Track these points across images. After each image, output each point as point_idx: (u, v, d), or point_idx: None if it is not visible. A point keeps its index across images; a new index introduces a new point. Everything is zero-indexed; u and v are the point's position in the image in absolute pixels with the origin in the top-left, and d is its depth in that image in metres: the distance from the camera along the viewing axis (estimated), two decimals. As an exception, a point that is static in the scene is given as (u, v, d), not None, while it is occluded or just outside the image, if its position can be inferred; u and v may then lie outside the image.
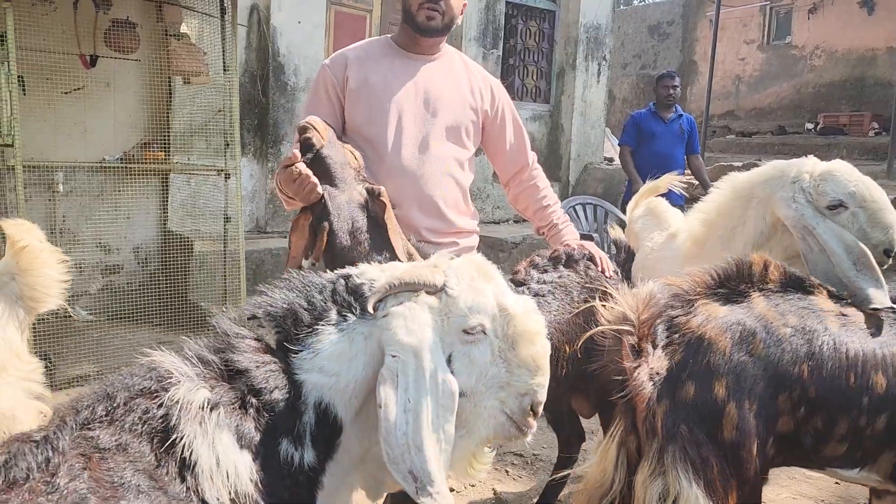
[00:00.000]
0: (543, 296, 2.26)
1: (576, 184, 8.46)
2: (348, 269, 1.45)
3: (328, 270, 1.53)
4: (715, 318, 1.78)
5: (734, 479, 1.68)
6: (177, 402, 1.15)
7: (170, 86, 5.37)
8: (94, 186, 5.27)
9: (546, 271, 2.38)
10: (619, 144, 6.11)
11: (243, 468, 1.16)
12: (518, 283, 2.32)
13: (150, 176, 5.50)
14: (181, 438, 1.12)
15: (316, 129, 2.06)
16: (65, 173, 5.06)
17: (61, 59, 4.46)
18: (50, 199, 5.18)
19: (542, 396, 1.46)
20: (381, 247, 2.02)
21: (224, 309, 1.48)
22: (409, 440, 1.24)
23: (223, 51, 4.69)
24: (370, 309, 1.33)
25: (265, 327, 1.34)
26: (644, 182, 5.32)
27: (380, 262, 1.52)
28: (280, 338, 1.32)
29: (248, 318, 1.35)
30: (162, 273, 5.30)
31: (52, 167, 4.80)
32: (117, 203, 5.35)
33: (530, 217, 2.66)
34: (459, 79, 2.41)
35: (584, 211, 5.64)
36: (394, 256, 1.95)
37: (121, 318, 4.95)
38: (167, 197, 5.58)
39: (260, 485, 1.17)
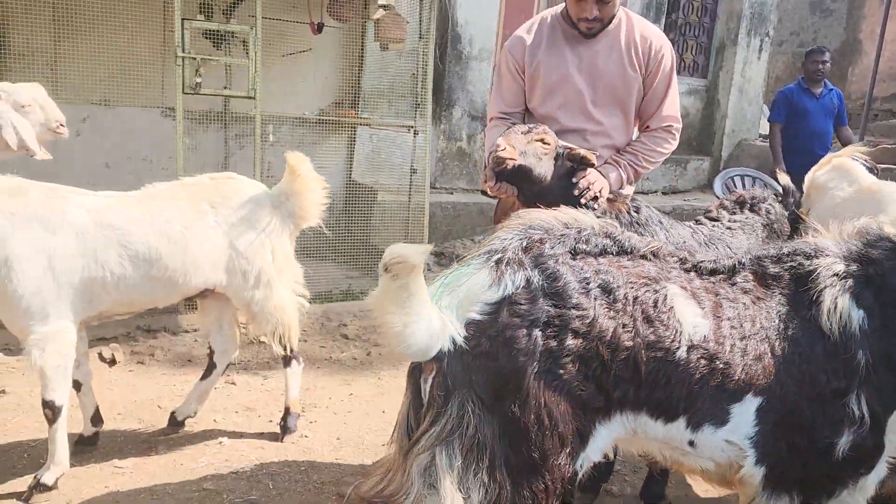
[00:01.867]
0: (733, 231, 2.65)
1: (728, 159, 8.48)
2: None
3: None
4: None
5: None
6: (821, 265, 1.74)
7: (362, 51, 6.02)
8: (295, 138, 6.03)
9: (734, 213, 2.77)
10: (769, 121, 6.16)
11: (855, 319, 1.69)
12: (712, 220, 2.73)
13: (340, 131, 6.20)
14: (816, 287, 1.70)
15: (507, 151, 2.29)
16: (273, 126, 5.84)
17: (287, 26, 5.18)
18: (260, 148, 6.00)
19: None
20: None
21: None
22: None
23: (419, 20, 5.24)
24: None
25: None
26: (783, 165, 5.47)
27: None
28: None
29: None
30: (346, 218, 6.00)
31: (278, 119, 5.54)
32: (313, 154, 6.07)
33: None
34: (621, 53, 2.63)
35: (742, 182, 5.80)
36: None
37: (309, 254, 5.69)
38: (353, 151, 6.27)
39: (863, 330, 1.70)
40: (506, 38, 7.05)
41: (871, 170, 3.28)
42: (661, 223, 2.50)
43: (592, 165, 2.41)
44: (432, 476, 1.52)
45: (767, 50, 8.46)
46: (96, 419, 3.03)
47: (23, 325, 2.60)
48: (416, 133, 5.48)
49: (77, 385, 2.88)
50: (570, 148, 2.44)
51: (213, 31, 4.69)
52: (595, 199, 2.44)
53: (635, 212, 2.50)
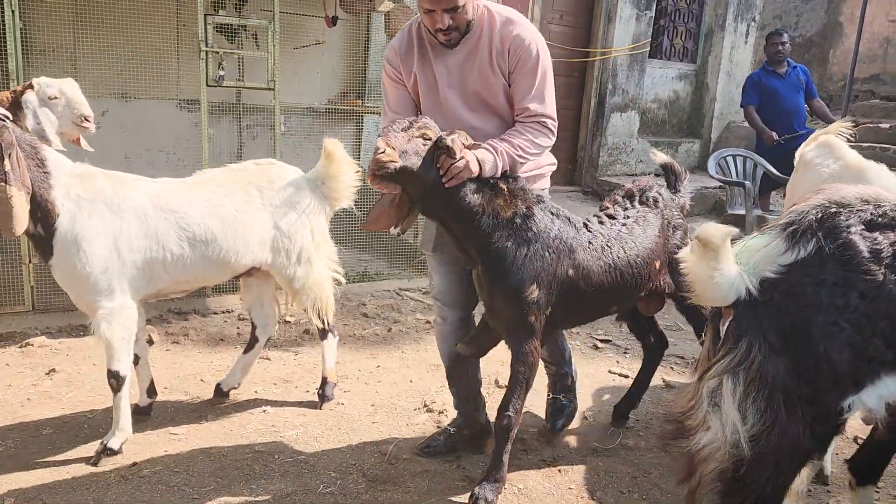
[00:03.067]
0: (629, 225, 2.82)
1: (717, 141, 8.77)
2: None
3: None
4: None
5: None
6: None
7: (367, 43, 6.24)
8: (304, 128, 6.25)
9: (626, 208, 2.91)
10: (742, 106, 6.46)
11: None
12: (609, 217, 2.85)
13: (347, 121, 6.42)
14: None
15: (386, 154, 2.28)
16: (283, 116, 6.05)
17: (303, 20, 5.39)
18: (271, 138, 6.21)
19: None
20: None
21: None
22: None
23: (425, 12, 5.46)
24: None
25: None
26: (772, 132, 5.81)
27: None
28: None
29: None
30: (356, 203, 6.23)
31: (290, 109, 5.76)
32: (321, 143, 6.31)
33: None
34: (482, 58, 2.59)
35: (735, 161, 6.09)
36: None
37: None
38: (360, 139, 6.49)
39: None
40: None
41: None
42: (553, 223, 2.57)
43: (452, 156, 2.36)
44: (717, 397, 1.85)
45: (754, 34, 8.75)
46: (151, 391, 3.27)
47: (90, 301, 2.82)
48: (424, 121, 5.70)
49: (136, 358, 3.11)
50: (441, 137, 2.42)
51: (226, 24, 4.89)
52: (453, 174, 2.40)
53: (524, 216, 2.51)
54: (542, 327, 2.61)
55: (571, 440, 3.27)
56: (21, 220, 2.51)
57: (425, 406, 3.50)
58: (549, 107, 2.67)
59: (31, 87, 3.45)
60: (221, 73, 4.65)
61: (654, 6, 8.02)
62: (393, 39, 2.78)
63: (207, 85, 4.56)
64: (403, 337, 4.47)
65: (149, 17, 5.34)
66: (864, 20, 11.01)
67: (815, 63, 13.53)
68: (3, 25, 4.07)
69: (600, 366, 4.14)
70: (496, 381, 3.76)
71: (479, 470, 2.95)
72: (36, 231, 2.71)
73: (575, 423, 3.41)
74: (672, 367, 4.17)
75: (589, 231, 2.70)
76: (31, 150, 2.65)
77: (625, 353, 4.35)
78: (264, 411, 3.39)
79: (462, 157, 2.39)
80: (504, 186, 2.53)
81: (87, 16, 4.95)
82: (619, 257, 2.71)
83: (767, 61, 6.39)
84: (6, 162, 2.45)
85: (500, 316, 2.62)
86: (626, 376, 3.98)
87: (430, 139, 2.37)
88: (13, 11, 4.01)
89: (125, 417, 2.94)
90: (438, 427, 3.28)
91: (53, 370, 3.70)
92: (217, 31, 4.98)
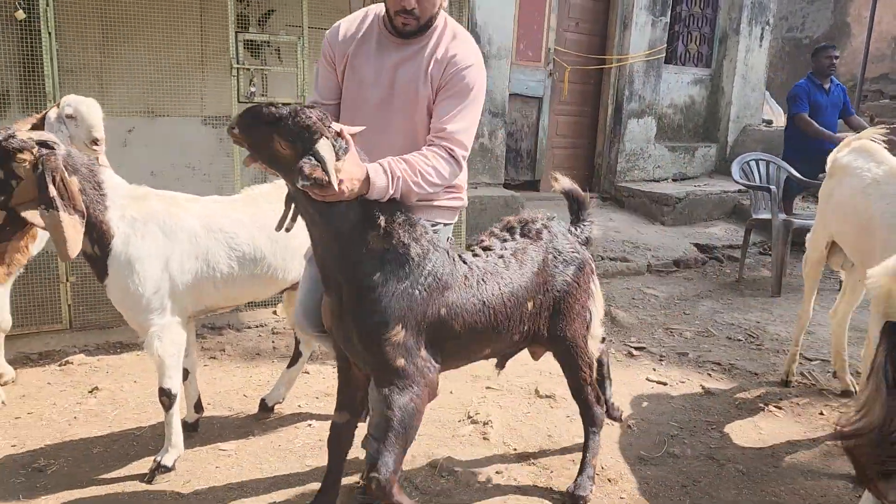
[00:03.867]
0: (505, 258, 2.49)
1: (734, 145, 8.79)
2: None
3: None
4: None
5: None
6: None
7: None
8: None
9: (504, 239, 2.59)
10: (793, 114, 6.41)
11: None
12: (486, 250, 2.53)
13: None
14: None
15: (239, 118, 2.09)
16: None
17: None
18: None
19: None
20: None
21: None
22: None
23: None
24: None
25: None
26: (838, 135, 5.79)
27: None
28: None
29: None
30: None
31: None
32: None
33: None
34: (421, 65, 2.44)
35: (758, 166, 6.10)
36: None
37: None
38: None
39: None
40: (520, 38, 7.37)
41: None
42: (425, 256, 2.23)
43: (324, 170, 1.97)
44: None
45: (768, 38, 8.78)
46: (198, 406, 3.29)
47: (142, 320, 2.84)
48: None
49: (185, 373, 3.13)
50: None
51: (251, 40, 4.93)
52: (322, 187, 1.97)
53: (400, 250, 2.17)
54: (424, 371, 2.24)
55: (616, 449, 3.27)
56: (74, 243, 2.52)
57: (469, 417, 3.51)
58: (467, 136, 2.39)
59: (58, 105, 3.53)
60: (252, 89, 4.70)
61: (669, 12, 8.05)
62: (345, 18, 2.59)
63: (239, 101, 4.60)
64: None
65: (174, 34, 5.38)
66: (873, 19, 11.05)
67: (824, 64, 13.58)
68: (40, 46, 4.11)
69: (637, 373, 4.15)
70: (536, 391, 3.78)
71: (530, 481, 2.96)
72: (93, 251, 2.74)
73: (618, 432, 3.42)
74: (710, 374, 4.17)
75: (465, 264, 2.36)
76: (88, 173, 2.67)
77: (661, 360, 4.36)
78: (310, 425, 3.41)
79: (336, 180, 1.99)
80: (381, 217, 2.15)
81: (114, 35, 5.01)
82: (492, 295, 2.36)
83: (814, 73, 6.38)
84: (51, 188, 2.45)
85: (360, 358, 2.30)
86: (664, 384, 3.99)
87: (313, 133, 1.97)
88: (49, 33, 4.06)
89: (177, 434, 2.96)
90: (485, 439, 3.29)
91: (96, 388, 3.73)
92: (244, 48, 5.03)
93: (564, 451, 3.23)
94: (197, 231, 2.87)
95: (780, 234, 5.65)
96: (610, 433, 3.40)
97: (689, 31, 8.61)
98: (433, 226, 2.52)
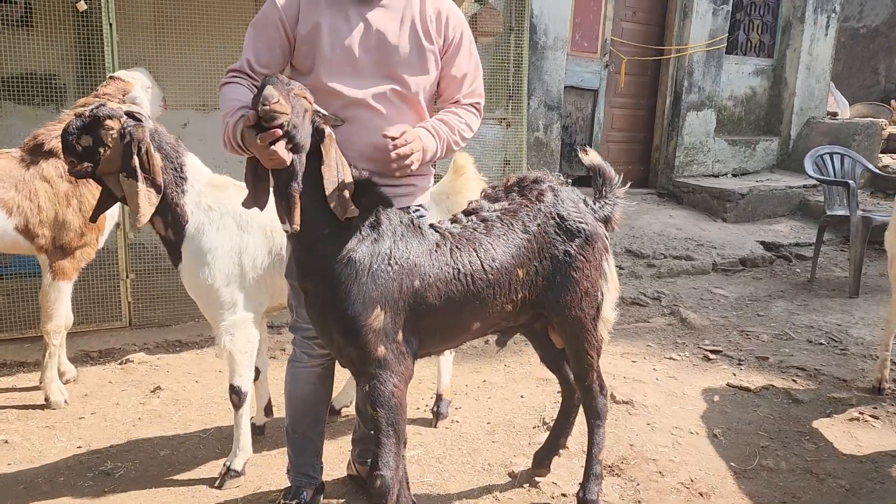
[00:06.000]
0: (490, 221, 2.29)
1: (797, 138, 8.44)
2: None
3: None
4: None
5: None
6: None
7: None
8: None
9: (497, 200, 2.38)
10: None
11: None
12: (467, 213, 2.34)
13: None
14: None
15: (280, 105, 1.88)
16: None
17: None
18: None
19: None
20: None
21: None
22: None
23: (509, 12, 5.34)
24: None
25: None
26: None
27: None
28: None
29: None
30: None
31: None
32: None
33: None
34: (414, 23, 2.25)
35: (832, 160, 5.80)
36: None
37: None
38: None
39: None
40: (575, 28, 7.15)
41: None
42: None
43: (322, 131, 2.01)
44: None
45: (834, 26, 8.40)
46: (269, 409, 3.18)
47: (213, 313, 2.74)
48: (508, 125, 5.57)
49: (256, 373, 3.02)
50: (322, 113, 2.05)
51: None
52: (406, 165, 2.12)
53: (371, 224, 2.11)
54: (401, 358, 2.14)
55: (704, 459, 3.07)
56: (146, 213, 2.47)
57: (544, 423, 3.34)
58: (481, 86, 2.43)
59: (116, 80, 3.50)
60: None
61: (731, 0, 7.74)
62: None
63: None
64: (504, 350, 4.31)
65: (229, 27, 5.29)
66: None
67: (882, 54, 13.00)
68: (100, 39, 4.05)
69: (717, 379, 3.92)
70: (612, 396, 3.58)
71: (617, 494, 2.78)
72: (167, 234, 2.67)
73: (706, 441, 3.21)
74: (794, 380, 3.93)
75: (437, 232, 2.23)
76: (172, 153, 2.61)
77: (739, 364, 4.13)
78: (378, 430, 3.27)
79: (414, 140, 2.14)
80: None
81: (169, 27, 4.93)
82: (469, 262, 2.18)
83: None
84: (134, 158, 2.45)
85: (342, 352, 2.16)
86: (749, 389, 3.76)
87: (311, 104, 2.01)
88: (111, 24, 3.99)
89: (245, 437, 2.84)
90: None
91: (158, 388, 3.65)
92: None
93: (649, 461, 3.04)
94: (271, 226, 2.75)
95: (858, 231, 5.35)
96: (696, 442, 3.20)
97: (751, 20, 8.27)
98: (415, 210, 2.40)
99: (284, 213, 2.02)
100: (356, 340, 2.07)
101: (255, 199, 2.13)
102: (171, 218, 2.64)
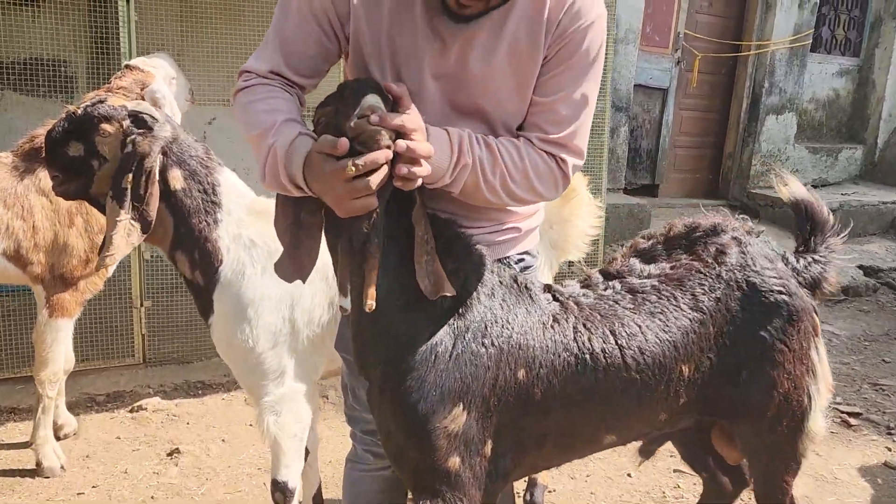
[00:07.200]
0: (642, 293, 1.63)
1: (884, 147, 7.62)
2: None
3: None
4: None
5: None
6: None
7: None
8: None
9: (653, 259, 1.70)
10: None
11: None
12: (608, 276, 1.67)
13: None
14: None
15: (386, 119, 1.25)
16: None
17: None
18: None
19: None
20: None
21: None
22: None
23: None
24: None
25: None
26: None
27: None
28: None
29: None
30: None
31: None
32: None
33: None
34: (520, 29, 1.41)
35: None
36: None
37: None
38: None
39: None
40: (646, 20, 6.37)
41: None
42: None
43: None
44: None
45: (930, 23, 7.56)
46: (318, 498, 2.46)
47: (254, 384, 2.08)
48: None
49: (304, 453, 2.32)
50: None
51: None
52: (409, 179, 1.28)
53: (461, 283, 1.45)
54: (483, 478, 1.51)
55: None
56: (116, 252, 1.82)
57: (667, 516, 2.61)
58: (583, 135, 1.48)
59: (133, 70, 2.86)
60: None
61: (816, -8, 6.93)
62: None
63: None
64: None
65: (261, 17, 4.62)
66: None
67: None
68: (116, 21, 3.36)
69: (868, 454, 3.15)
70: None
71: None
72: (194, 277, 2.01)
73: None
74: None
75: (555, 300, 1.57)
76: (200, 170, 1.95)
77: (890, 433, 3.35)
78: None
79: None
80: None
81: (195, 14, 4.26)
82: (603, 349, 1.53)
83: None
84: (128, 178, 1.81)
85: (401, 455, 1.52)
86: (912, 471, 3.00)
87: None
88: (127, 1, 3.28)
89: (293, 544, 2.14)
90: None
91: (176, 451, 2.96)
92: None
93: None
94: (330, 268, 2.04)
95: None
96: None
97: (837, 15, 7.45)
98: (519, 262, 1.66)
99: (349, 282, 1.35)
100: (423, 444, 1.45)
101: (296, 265, 1.42)
102: (199, 256, 1.98)
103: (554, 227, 2.43)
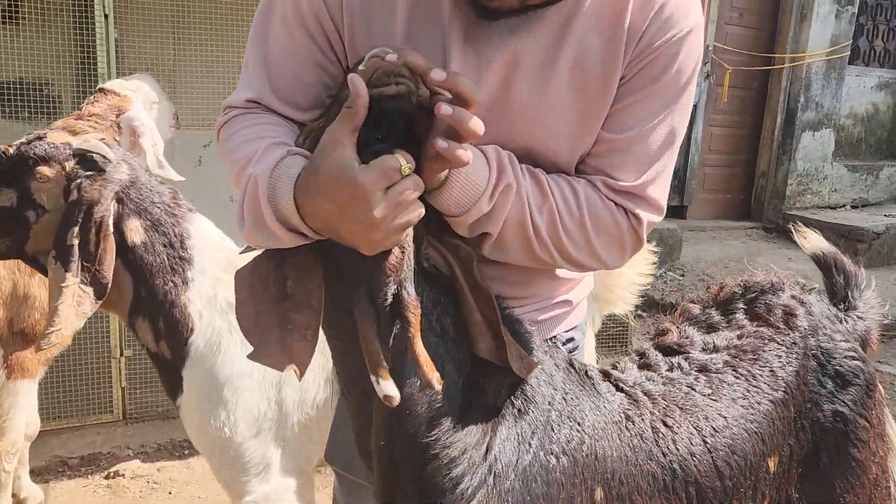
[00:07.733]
0: (714, 371, 1.29)
1: (927, 164, 7.19)
2: None
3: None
4: None
5: None
6: None
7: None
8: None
9: (712, 327, 1.39)
10: None
11: None
12: (666, 352, 1.32)
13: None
14: None
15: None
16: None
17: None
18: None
19: None
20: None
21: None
22: None
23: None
24: None
25: None
26: None
27: None
28: None
29: None
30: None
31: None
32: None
33: None
34: (594, 40, 1.02)
35: None
36: None
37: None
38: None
39: None
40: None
41: None
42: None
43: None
44: None
45: (975, 32, 7.14)
46: None
47: (232, 479, 1.74)
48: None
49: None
50: None
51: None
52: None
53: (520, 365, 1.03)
54: None
55: None
56: (65, 327, 1.47)
57: None
58: (663, 184, 1.10)
59: (107, 94, 2.52)
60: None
61: (857, 0, 6.52)
62: None
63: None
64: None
65: (243, 40, 4.29)
66: None
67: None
68: (94, 36, 3.01)
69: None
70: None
71: None
72: (158, 349, 1.68)
73: None
74: None
75: (620, 391, 1.19)
76: (167, 219, 1.63)
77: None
78: None
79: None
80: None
81: (188, 31, 3.94)
82: (692, 455, 1.18)
83: None
84: (73, 231, 1.49)
85: None
86: None
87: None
88: (106, 16, 2.94)
89: None
90: None
91: (157, 530, 2.55)
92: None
93: None
94: None
95: None
96: None
97: (876, 25, 7.04)
98: (567, 342, 1.28)
99: (381, 356, 0.90)
100: None
101: (284, 349, 0.93)
102: (164, 324, 1.65)
103: (596, 300, 2.03)
